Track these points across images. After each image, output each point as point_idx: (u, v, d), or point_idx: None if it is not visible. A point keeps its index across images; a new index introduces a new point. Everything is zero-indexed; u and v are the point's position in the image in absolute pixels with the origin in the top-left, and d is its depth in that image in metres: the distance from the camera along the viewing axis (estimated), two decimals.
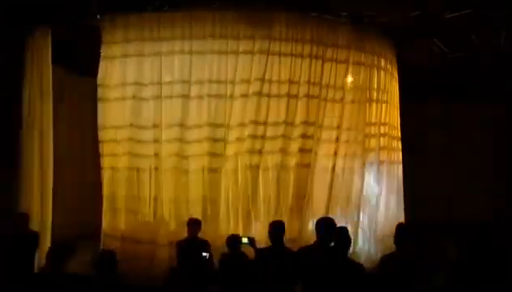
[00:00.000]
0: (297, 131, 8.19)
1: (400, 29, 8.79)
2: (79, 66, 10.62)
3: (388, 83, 9.32)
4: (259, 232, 7.41)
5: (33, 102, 8.03)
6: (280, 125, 8.12)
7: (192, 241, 6.20)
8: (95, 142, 10.92)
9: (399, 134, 9.73)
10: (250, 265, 5.10)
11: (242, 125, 8.03)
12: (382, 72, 9.10)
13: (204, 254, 5.30)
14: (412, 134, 11.68)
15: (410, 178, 10.32)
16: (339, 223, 8.04)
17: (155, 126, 8.08)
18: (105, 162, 8.25)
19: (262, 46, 7.98)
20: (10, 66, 8.28)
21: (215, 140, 8.03)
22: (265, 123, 8.06)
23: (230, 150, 8.03)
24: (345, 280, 4.20)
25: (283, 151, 8.14)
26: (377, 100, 8.96)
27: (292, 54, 8.11)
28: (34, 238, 6.59)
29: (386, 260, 4.27)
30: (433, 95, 12.39)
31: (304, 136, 8.22)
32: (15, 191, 7.86)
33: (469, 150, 12.55)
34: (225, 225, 7.89)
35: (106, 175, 8.25)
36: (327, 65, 8.32)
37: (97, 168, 11.32)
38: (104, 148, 8.24)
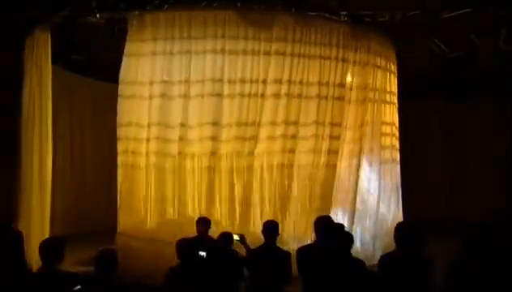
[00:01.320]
0: (327, 132, 8.39)
1: (400, 29, 8.79)
2: (80, 65, 10.66)
3: (395, 85, 9.61)
4: (290, 230, 7.83)
5: (33, 101, 8.00)
6: (311, 125, 8.29)
7: (199, 240, 6.03)
8: (94, 141, 10.93)
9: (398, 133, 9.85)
10: (242, 263, 5.10)
11: (274, 124, 8.14)
12: (392, 75, 9.44)
13: (201, 253, 5.25)
14: (413, 133, 11.71)
15: (410, 175, 10.35)
16: (360, 221, 8.30)
17: (182, 124, 7.98)
18: (123, 160, 8.06)
19: (294, 48, 8.13)
20: (11, 64, 8.29)
21: (246, 139, 8.10)
22: (295, 123, 8.20)
23: (261, 149, 8.11)
24: (346, 278, 4.19)
25: (314, 151, 8.32)
26: (390, 102, 9.37)
27: (320, 57, 8.31)
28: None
29: (386, 259, 4.25)
30: (432, 94, 12.38)
31: (331, 137, 8.41)
32: (15, 191, 7.83)
33: (469, 150, 12.55)
34: (257, 223, 7.87)
35: (123, 173, 8.07)
36: (352, 68, 8.58)
37: (97, 167, 11.33)
38: (123, 146, 8.05)
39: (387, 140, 9.28)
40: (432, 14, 8.34)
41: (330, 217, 4.83)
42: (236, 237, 5.45)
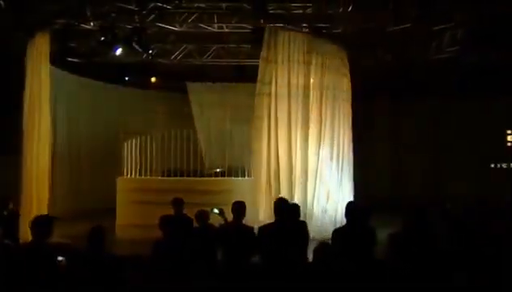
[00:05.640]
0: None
1: (351, 39, 9.05)
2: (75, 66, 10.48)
3: (348, 85, 9.87)
4: None
5: (33, 97, 7.87)
6: None
7: (178, 219, 5.84)
8: (89, 132, 10.71)
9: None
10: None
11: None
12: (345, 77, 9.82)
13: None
14: (363, 127, 11.97)
15: (360, 163, 10.54)
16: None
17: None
18: (256, 147, 8.58)
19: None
20: (13, 67, 8.12)
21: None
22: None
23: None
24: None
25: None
26: (343, 99, 9.68)
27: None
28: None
29: (337, 232, 4.38)
30: (379, 95, 12.70)
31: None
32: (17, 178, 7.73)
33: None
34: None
35: (256, 161, 8.56)
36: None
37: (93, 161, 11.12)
38: (257, 134, 8.58)
39: (341, 131, 9.52)
40: (378, 27, 8.59)
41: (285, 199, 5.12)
42: (215, 210, 5.28)
